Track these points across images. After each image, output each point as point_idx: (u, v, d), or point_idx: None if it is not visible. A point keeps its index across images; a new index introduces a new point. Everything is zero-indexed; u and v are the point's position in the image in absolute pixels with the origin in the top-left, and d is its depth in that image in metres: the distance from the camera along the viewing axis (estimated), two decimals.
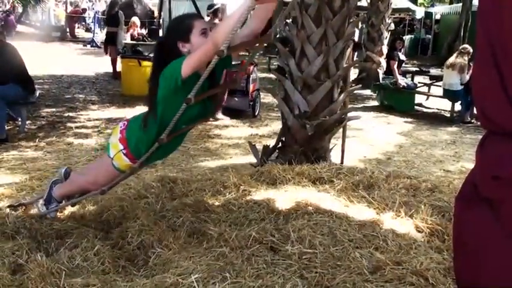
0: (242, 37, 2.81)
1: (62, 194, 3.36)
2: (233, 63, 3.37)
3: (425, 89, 11.68)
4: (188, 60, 2.60)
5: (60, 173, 3.52)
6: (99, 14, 23.84)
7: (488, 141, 1.45)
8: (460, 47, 9.91)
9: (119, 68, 11.58)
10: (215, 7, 9.17)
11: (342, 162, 5.12)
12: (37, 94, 8.72)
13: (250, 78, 8.92)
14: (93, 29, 21.96)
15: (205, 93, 2.83)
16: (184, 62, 2.60)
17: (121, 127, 3.07)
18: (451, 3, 28.69)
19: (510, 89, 1.29)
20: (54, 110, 8.63)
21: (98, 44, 18.91)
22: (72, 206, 3.51)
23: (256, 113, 9.10)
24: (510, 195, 1.35)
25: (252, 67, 8.94)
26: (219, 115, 8.46)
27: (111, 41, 12.57)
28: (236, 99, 8.79)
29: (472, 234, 1.49)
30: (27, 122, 7.24)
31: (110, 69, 12.65)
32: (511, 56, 1.25)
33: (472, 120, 9.06)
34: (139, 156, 2.99)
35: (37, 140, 6.52)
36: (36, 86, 7.30)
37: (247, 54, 13.56)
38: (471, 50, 9.36)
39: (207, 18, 8.71)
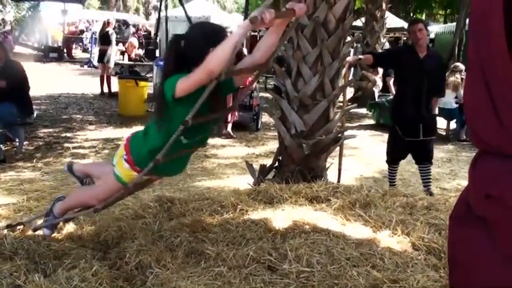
0: (244, 67, 2.80)
1: (62, 209, 3.31)
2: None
3: None
4: (182, 84, 2.54)
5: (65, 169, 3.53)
6: (96, 34, 23.99)
7: (481, 160, 1.47)
8: (452, 66, 10.01)
9: (115, 88, 11.68)
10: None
11: (338, 181, 5.14)
12: (34, 115, 8.76)
13: (253, 94, 9.56)
14: (90, 49, 22.08)
15: (205, 117, 2.76)
16: (179, 83, 2.54)
17: (129, 135, 3.03)
18: (445, 22, 29.02)
19: (500, 109, 1.32)
20: (51, 130, 8.66)
21: (95, 64, 19.02)
22: (66, 222, 3.48)
23: (259, 127, 9.65)
24: (502, 213, 1.37)
25: (254, 84, 9.19)
26: (225, 131, 8.88)
27: (102, 59, 12.88)
28: (240, 113, 9.27)
29: (466, 252, 1.50)
30: (25, 142, 7.25)
31: (107, 89, 12.79)
32: (500, 77, 1.28)
33: (468, 139, 9.11)
34: (139, 163, 2.87)
35: (34, 160, 6.54)
36: (33, 107, 7.34)
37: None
38: (463, 68, 9.49)
39: None
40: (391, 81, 10.50)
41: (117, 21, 21.31)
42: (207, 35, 2.69)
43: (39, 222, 3.43)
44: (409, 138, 5.39)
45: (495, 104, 1.32)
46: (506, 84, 1.26)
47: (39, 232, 3.38)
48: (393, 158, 5.71)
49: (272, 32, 2.69)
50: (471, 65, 1.42)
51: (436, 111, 5.60)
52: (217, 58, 2.41)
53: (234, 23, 25.98)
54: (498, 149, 1.37)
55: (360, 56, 6.18)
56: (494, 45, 1.23)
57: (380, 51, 12.74)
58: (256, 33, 26.29)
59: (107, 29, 13.30)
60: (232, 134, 8.94)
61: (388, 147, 5.73)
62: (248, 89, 9.57)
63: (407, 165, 7.30)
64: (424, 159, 5.58)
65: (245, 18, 23.32)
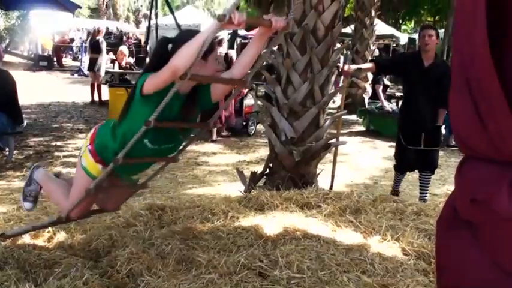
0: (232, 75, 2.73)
1: (43, 186, 3.32)
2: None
3: None
4: (149, 80, 2.50)
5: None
6: (86, 43, 23.98)
7: (466, 165, 1.49)
8: None
9: (106, 96, 11.67)
10: (220, 37, 9.74)
11: (331, 188, 5.16)
12: (24, 124, 8.71)
13: (244, 101, 9.84)
14: (80, 57, 22.04)
15: (172, 122, 2.71)
16: (147, 79, 2.50)
17: (97, 125, 3.02)
18: None
19: (484, 118, 1.34)
20: (41, 139, 8.62)
21: (86, 72, 19.00)
22: (33, 230, 3.47)
23: (250, 134, 9.87)
24: (487, 217, 1.39)
25: (245, 90, 9.58)
26: (214, 137, 9.14)
27: (92, 67, 12.92)
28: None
29: (453, 256, 1.52)
30: (15, 151, 7.22)
31: (97, 98, 12.79)
32: (483, 83, 1.30)
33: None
34: (102, 156, 2.82)
35: (24, 169, 6.49)
36: (23, 116, 7.31)
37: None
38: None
39: None
40: (380, 89, 10.57)
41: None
42: (181, 38, 2.66)
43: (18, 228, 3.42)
44: (412, 147, 5.34)
45: (479, 111, 1.34)
46: (490, 90, 1.28)
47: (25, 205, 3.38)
48: (400, 166, 5.64)
49: (251, 47, 2.65)
50: (455, 72, 1.44)
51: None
52: (182, 55, 2.35)
53: (224, 31, 26.11)
54: (483, 154, 1.39)
55: (360, 66, 6.13)
56: (477, 51, 1.26)
57: (369, 59, 12.86)
58: (247, 42, 26.36)
59: (97, 37, 13.31)
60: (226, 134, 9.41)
61: (395, 154, 5.67)
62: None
63: None
64: (426, 167, 5.51)
65: None
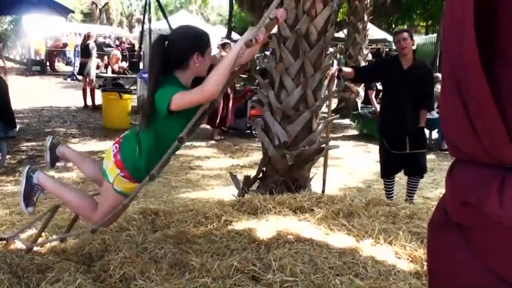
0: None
1: (50, 190, 3.29)
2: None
3: None
4: (179, 99, 2.53)
5: (47, 144, 3.43)
6: (79, 47, 23.94)
7: (457, 168, 1.50)
8: None
9: (99, 100, 11.66)
10: (224, 41, 9.84)
11: (323, 191, 5.17)
12: (17, 128, 8.68)
13: (249, 103, 10.12)
14: (73, 62, 21.99)
15: (195, 127, 2.79)
16: (175, 98, 2.53)
17: (113, 150, 2.93)
18: (426, 34, 29.41)
19: (473, 119, 1.35)
20: (34, 144, 8.59)
21: (79, 77, 18.96)
22: (61, 241, 3.44)
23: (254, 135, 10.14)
24: (478, 220, 1.40)
25: (251, 94, 10.19)
26: (217, 136, 9.58)
27: (82, 72, 12.97)
28: (236, 119, 10.03)
29: (444, 259, 1.52)
30: (7, 156, 7.19)
31: (90, 102, 12.78)
32: (473, 89, 1.31)
33: None
34: (137, 177, 2.86)
35: (17, 174, 6.48)
36: (16, 120, 7.29)
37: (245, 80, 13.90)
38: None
39: (216, 51, 9.27)
40: (373, 95, 10.61)
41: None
42: (190, 38, 2.72)
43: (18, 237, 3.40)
44: (397, 151, 5.33)
45: (469, 114, 1.35)
46: (479, 94, 1.30)
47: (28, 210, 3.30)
48: (386, 171, 5.61)
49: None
50: (445, 76, 1.45)
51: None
52: (216, 82, 2.46)
53: (218, 35, 26.11)
54: (473, 157, 1.40)
55: (343, 68, 6.16)
56: (467, 56, 1.27)
57: (363, 64, 12.91)
58: None
59: (88, 42, 13.30)
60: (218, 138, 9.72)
61: (380, 161, 5.66)
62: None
63: None
64: (414, 172, 5.52)
65: (228, 30, 23.43)
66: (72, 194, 3.23)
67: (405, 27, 30.81)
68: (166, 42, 2.70)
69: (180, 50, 2.67)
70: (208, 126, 9.85)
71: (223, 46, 9.48)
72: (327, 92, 5.20)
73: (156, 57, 2.70)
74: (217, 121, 9.58)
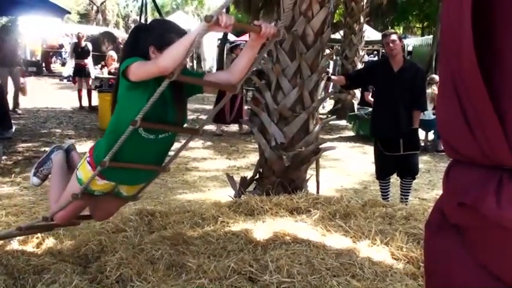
0: (217, 79, 2.72)
1: (53, 167, 3.26)
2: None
3: None
4: (136, 67, 2.42)
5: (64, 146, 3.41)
6: (71, 48, 23.87)
7: (454, 169, 1.50)
8: (428, 78, 10.14)
9: (95, 101, 11.65)
10: (235, 43, 9.99)
11: (317, 192, 5.18)
12: (13, 129, 8.66)
13: None
14: (67, 63, 21.93)
15: (160, 124, 2.63)
16: (133, 66, 2.42)
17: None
18: (422, 35, 29.48)
19: (470, 121, 1.35)
20: (30, 145, 8.56)
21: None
22: (19, 230, 3.27)
23: None
24: (475, 221, 1.40)
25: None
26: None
27: (79, 73, 12.83)
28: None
29: (441, 260, 1.52)
30: (3, 157, 7.17)
31: (86, 104, 12.76)
32: (471, 91, 1.31)
33: None
34: (98, 163, 2.68)
35: (13, 175, 6.46)
36: (12, 122, 7.28)
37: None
38: (438, 79, 9.58)
39: (214, 51, 9.55)
40: (369, 96, 10.62)
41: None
42: (152, 30, 2.64)
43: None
44: (391, 153, 5.34)
45: (466, 116, 1.35)
46: (476, 96, 1.30)
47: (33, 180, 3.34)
48: (381, 173, 5.62)
49: (243, 55, 2.61)
50: (442, 78, 1.45)
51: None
52: (170, 56, 2.31)
53: (214, 37, 26.10)
54: (470, 159, 1.40)
55: (332, 77, 6.16)
56: (464, 59, 1.27)
57: (359, 65, 12.93)
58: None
59: (83, 43, 13.23)
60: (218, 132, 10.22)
61: (375, 163, 5.66)
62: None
63: None
64: (407, 173, 5.53)
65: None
66: (56, 181, 3.18)
67: (401, 28, 30.91)
68: (142, 32, 2.66)
69: (139, 39, 2.62)
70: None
71: (231, 49, 9.59)
72: (323, 93, 5.21)
73: (127, 42, 2.69)
74: (231, 116, 9.98)
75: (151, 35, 2.59)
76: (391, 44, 5.20)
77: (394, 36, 5.26)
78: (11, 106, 10.20)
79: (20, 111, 11.40)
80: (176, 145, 3.12)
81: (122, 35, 32.22)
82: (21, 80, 11.09)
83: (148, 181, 3.10)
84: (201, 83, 2.74)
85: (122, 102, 2.60)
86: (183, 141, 3.10)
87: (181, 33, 2.56)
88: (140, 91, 2.49)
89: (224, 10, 2.25)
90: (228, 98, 2.99)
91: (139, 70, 2.41)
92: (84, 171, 2.79)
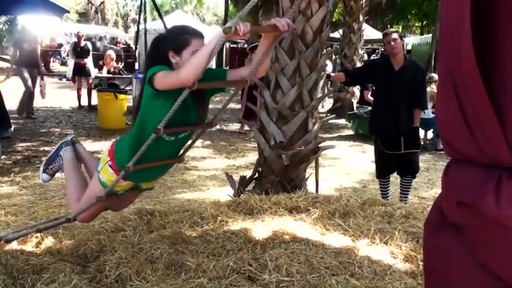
0: (238, 76, 2.78)
1: (66, 166, 3.35)
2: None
3: None
4: (160, 77, 2.53)
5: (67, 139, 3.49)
6: (70, 47, 23.86)
7: (453, 168, 1.50)
8: (428, 77, 10.13)
9: (94, 101, 11.65)
10: (254, 44, 10.11)
11: (317, 191, 5.18)
12: (12, 129, 8.66)
13: None
14: (68, 62, 21.91)
15: (182, 127, 2.77)
16: (158, 75, 2.53)
17: (113, 141, 3.02)
18: (421, 34, 29.48)
19: (470, 120, 1.35)
20: (29, 144, 8.56)
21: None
22: (38, 232, 3.45)
23: None
24: (474, 220, 1.40)
25: None
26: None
27: (78, 72, 12.79)
28: None
29: (440, 259, 1.52)
30: (2, 157, 7.16)
31: (85, 103, 12.75)
32: (470, 90, 1.31)
33: None
34: (121, 167, 2.83)
35: (12, 175, 6.45)
36: (11, 121, 7.26)
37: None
38: (437, 78, 9.58)
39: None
40: (369, 95, 10.63)
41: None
42: (168, 36, 2.77)
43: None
44: (391, 152, 5.34)
45: (465, 115, 1.35)
46: (475, 95, 1.30)
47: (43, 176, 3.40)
48: (381, 172, 5.62)
49: (259, 51, 2.67)
50: (441, 77, 1.45)
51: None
52: (191, 68, 2.42)
53: (213, 35, 26.04)
54: (469, 157, 1.40)
55: (331, 74, 6.16)
56: (463, 58, 1.27)
57: (358, 64, 12.93)
58: (235, 46, 26.39)
59: (83, 42, 13.23)
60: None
61: (375, 162, 5.66)
62: None
63: None
64: (407, 172, 5.53)
65: None
66: (73, 180, 3.27)
67: (400, 27, 30.91)
68: (161, 41, 2.77)
69: (159, 47, 2.74)
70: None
71: (251, 49, 9.62)
72: (322, 92, 5.21)
73: (148, 59, 2.81)
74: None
75: (168, 41, 2.72)
76: (392, 43, 5.21)
77: (395, 35, 5.27)
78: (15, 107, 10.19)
79: (34, 115, 11.26)
80: None
81: (121, 34, 32.25)
82: (41, 82, 11.05)
83: (165, 172, 3.27)
84: (218, 85, 2.86)
85: (146, 109, 2.71)
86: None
87: (195, 33, 2.71)
88: (164, 99, 2.61)
89: (239, 20, 2.32)
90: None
91: (164, 80, 2.53)
92: (107, 174, 2.92)
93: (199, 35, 2.70)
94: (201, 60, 2.40)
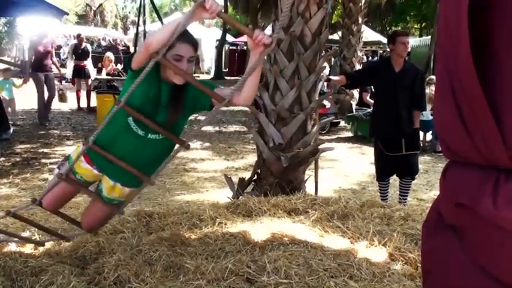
0: (223, 94, 2.63)
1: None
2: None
3: None
4: (134, 58, 2.60)
5: None
6: (70, 49, 23.84)
7: (451, 169, 1.50)
8: (427, 78, 10.15)
9: (93, 102, 11.65)
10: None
11: (316, 193, 5.18)
12: (11, 130, 8.65)
13: None
14: (67, 64, 21.88)
15: (147, 119, 2.66)
16: (133, 58, 2.62)
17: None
18: (420, 36, 29.49)
19: (467, 121, 1.36)
20: (28, 146, 8.56)
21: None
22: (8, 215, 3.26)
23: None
24: (472, 221, 1.40)
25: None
26: None
27: (78, 74, 12.81)
28: None
29: (438, 260, 1.53)
30: (1, 158, 7.17)
31: (84, 105, 12.74)
32: (468, 92, 1.31)
33: None
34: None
35: (11, 176, 6.46)
36: (10, 123, 7.27)
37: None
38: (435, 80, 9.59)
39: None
40: (368, 97, 10.63)
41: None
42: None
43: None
44: (392, 154, 5.34)
45: (463, 116, 1.35)
46: (472, 96, 1.30)
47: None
48: (381, 174, 5.61)
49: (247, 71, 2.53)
50: (439, 78, 1.45)
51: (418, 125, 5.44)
52: (156, 35, 2.44)
53: (213, 38, 26.11)
54: (467, 159, 1.41)
55: (331, 77, 6.17)
56: (461, 60, 1.27)
57: (357, 66, 12.95)
58: (234, 48, 26.41)
59: (84, 44, 13.23)
60: None
61: (375, 164, 5.65)
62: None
63: None
64: (407, 174, 5.53)
65: (223, 32, 23.39)
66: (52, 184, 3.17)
67: (399, 29, 30.90)
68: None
69: None
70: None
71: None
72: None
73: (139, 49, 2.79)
74: None
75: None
76: (406, 44, 5.26)
77: (408, 39, 5.34)
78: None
79: (46, 124, 10.98)
80: None
81: (120, 36, 32.26)
82: (60, 86, 10.99)
83: (132, 188, 3.05)
84: (200, 87, 2.64)
85: (123, 90, 2.76)
86: None
87: (184, 37, 2.56)
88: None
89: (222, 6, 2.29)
90: None
91: (136, 58, 2.58)
92: (76, 150, 2.92)
93: (188, 41, 2.61)
94: (164, 31, 2.41)
